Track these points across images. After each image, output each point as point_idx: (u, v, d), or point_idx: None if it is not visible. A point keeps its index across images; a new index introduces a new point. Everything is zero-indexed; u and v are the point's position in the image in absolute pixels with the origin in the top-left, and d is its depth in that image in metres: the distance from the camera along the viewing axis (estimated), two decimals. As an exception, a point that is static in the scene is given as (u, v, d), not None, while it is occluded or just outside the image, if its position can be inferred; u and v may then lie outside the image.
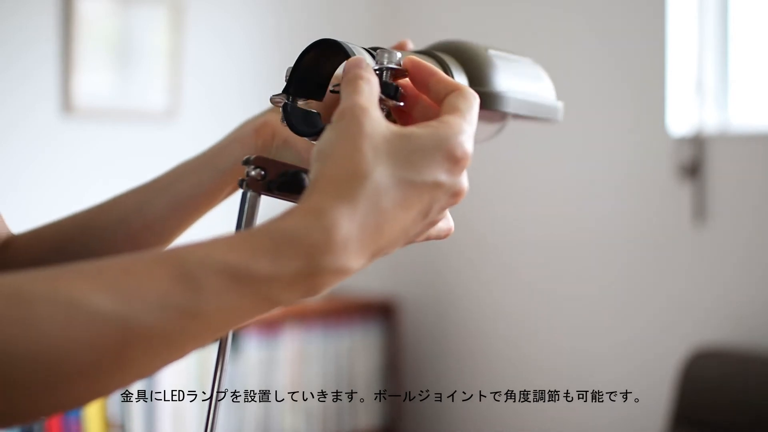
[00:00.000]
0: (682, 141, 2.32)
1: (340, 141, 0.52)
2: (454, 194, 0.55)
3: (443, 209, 0.56)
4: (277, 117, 0.70)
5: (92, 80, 2.42)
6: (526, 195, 2.67)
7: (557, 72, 2.84)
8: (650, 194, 2.39)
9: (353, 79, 0.55)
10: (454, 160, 0.54)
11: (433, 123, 0.55)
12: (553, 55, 2.60)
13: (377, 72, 0.58)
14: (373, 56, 0.60)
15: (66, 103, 2.37)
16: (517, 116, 0.72)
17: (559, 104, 0.78)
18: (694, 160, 2.29)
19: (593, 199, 2.51)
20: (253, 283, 0.48)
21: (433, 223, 0.57)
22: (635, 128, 2.42)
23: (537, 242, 2.64)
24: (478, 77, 0.68)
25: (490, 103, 0.66)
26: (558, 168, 2.58)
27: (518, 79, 0.71)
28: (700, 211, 2.28)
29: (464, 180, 0.55)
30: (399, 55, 0.59)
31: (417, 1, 2.97)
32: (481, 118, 0.68)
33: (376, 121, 0.53)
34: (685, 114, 2.36)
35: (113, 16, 2.47)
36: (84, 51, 2.38)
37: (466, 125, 0.55)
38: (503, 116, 0.73)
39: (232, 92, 2.64)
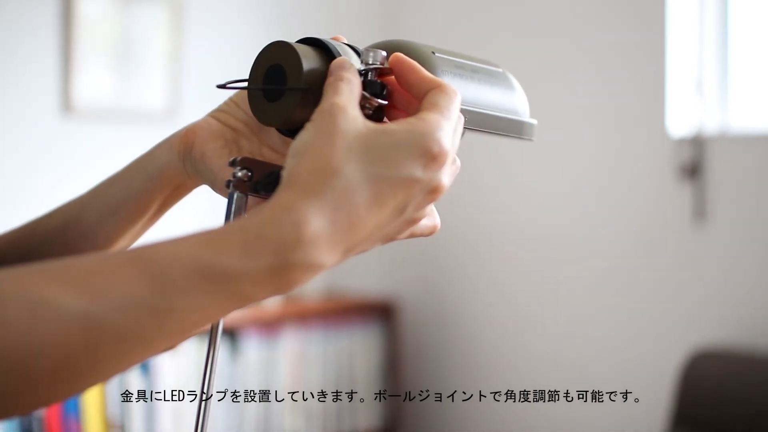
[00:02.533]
0: (682, 141, 2.32)
1: (314, 138, 0.52)
2: (431, 191, 0.54)
3: (421, 207, 0.55)
4: (204, 125, 0.67)
5: (92, 80, 2.42)
6: (526, 195, 2.67)
7: (557, 72, 2.84)
8: (650, 194, 2.39)
9: (334, 80, 0.56)
10: (429, 157, 0.53)
11: (410, 119, 0.54)
12: (554, 55, 2.60)
13: (362, 72, 0.58)
14: (359, 54, 0.60)
15: (66, 103, 2.37)
16: (473, 130, 0.66)
17: (531, 121, 0.71)
18: (694, 160, 2.29)
19: (593, 199, 2.51)
20: (223, 279, 0.48)
21: (413, 221, 0.56)
22: (635, 129, 2.42)
23: (536, 242, 2.64)
24: None
25: None
26: (558, 168, 2.58)
27: (472, 89, 0.65)
28: (700, 211, 2.28)
29: (442, 177, 0.54)
30: (384, 53, 0.59)
31: None
32: None
33: (351, 119, 0.53)
34: (685, 114, 2.36)
35: (113, 16, 2.47)
36: (84, 51, 2.38)
37: (444, 121, 0.55)
38: None
39: (232, 92, 2.64)
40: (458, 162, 0.59)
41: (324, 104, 0.54)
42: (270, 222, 0.49)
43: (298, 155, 0.52)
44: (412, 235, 0.59)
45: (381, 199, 0.52)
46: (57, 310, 0.46)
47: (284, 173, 0.52)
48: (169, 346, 0.51)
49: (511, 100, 0.69)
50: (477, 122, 0.65)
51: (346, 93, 0.55)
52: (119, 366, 0.49)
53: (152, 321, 0.48)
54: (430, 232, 0.60)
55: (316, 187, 0.50)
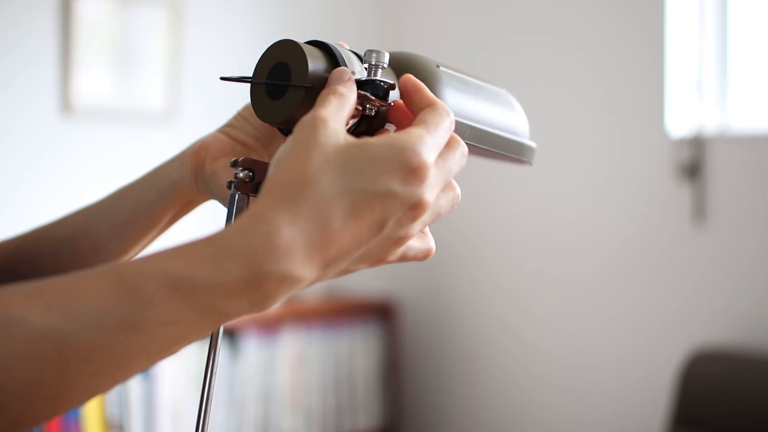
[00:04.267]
0: (682, 142, 2.32)
1: (292, 150, 0.51)
2: (412, 207, 0.52)
3: (403, 224, 0.53)
4: (215, 141, 0.68)
5: (91, 80, 2.42)
6: (526, 195, 2.67)
7: (557, 72, 2.84)
8: (650, 195, 2.39)
9: (326, 93, 0.55)
10: (408, 170, 0.51)
11: (392, 133, 0.53)
12: (554, 55, 2.60)
13: (363, 80, 0.58)
14: (361, 59, 0.60)
15: (65, 103, 2.37)
16: (471, 147, 0.65)
17: (530, 143, 0.70)
18: (694, 160, 2.29)
19: (593, 200, 2.51)
20: (194, 292, 0.47)
21: (398, 240, 0.54)
22: (635, 129, 2.42)
23: (536, 242, 2.64)
24: None
25: None
26: (558, 168, 2.58)
27: (473, 104, 0.65)
28: (699, 211, 2.28)
29: (424, 192, 0.52)
30: (387, 55, 0.59)
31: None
32: None
33: (331, 132, 0.52)
34: (684, 115, 2.36)
35: (113, 17, 2.47)
36: (83, 51, 2.38)
37: (428, 136, 0.53)
38: None
39: (231, 92, 2.64)
40: (458, 190, 0.57)
41: (306, 116, 0.53)
42: (241, 232, 0.48)
43: (275, 166, 0.52)
44: (405, 258, 0.57)
45: (357, 213, 0.50)
46: (29, 328, 0.45)
47: (263, 185, 0.52)
48: (148, 365, 0.49)
49: (512, 121, 0.69)
50: (476, 138, 0.64)
51: (334, 106, 0.54)
52: (94, 386, 0.48)
53: (124, 336, 0.46)
54: (423, 256, 0.58)
55: (290, 198, 0.49)
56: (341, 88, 0.55)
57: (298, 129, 0.52)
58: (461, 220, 2.78)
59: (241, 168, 0.59)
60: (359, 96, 0.58)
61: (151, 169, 0.71)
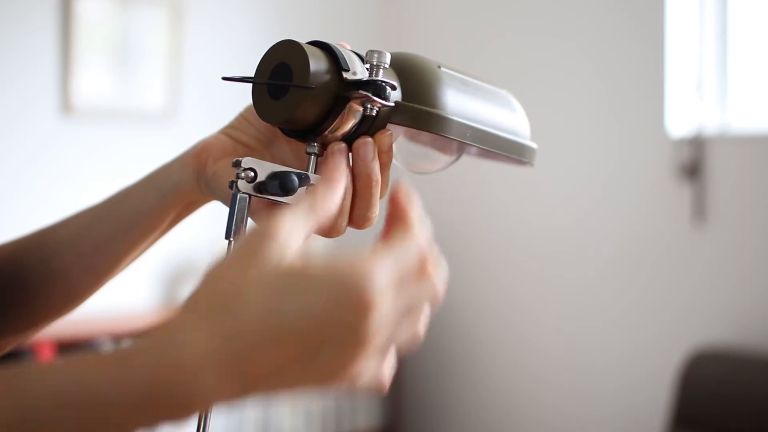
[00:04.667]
0: (682, 142, 2.32)
1: (231, 258, 0.47)
2: (351, 340, 0.46)
3: (343, 354, 0.46)
4: (216, 142, 0.68)
5: (91, 80, 2.42)
6: (526, 195, 2.67)
7: (557, 73, 2.83)
8: (650, 195, 2.39)
9: (304, 196, 0.51)
10: (351, 303, 0.45)
11: (342, 260, 0.47)
12: (554, 56, 2.60)
13: (364, 81, 0.58)
14: (362, 60, 0.60)
15: (65, 102, 2.37)
16: (472, 148, 0.64)
17: (531, 144, 0.69)
18: (694, 160, 2.29)
19: (593, 200, 2.51)
20: (93, 406, 0.43)
21: (338, 370, 0.47)
22: (635, 129, 2.42)
23: (536, 242, 2.64)
24: (418, 92, 0.61)
25: (426, 125, 0.59)
26: (558, 169, 2.58)
27: (474, 105, 0.64)
28: (699, 211, 2.28)
29: (369, 326, 0.46)
30: (389, 55, 0.59)
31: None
32: (430, 145, 0.65)
33: (278, 248, 0.47)
34: (684, 115, 2.36)
35: (112, 17, 2.47)
36: (83, 51, 2.38)
37: (385, 263, 0.47)
38: (459, 147, 0.66)
39: (231, 93, 2.64)
40: (420, 324, 0.51)
41: (263, 224, 0.48)
42: (151, 343, 0.45)
43: (208, 273, 0.47)
44: (354, 390, 0.50)
45: (281, 339, 0.45)
46: None
47: (190, 293, 0.48)
48: None
49: (513, 121, 0.68)
50: (477, 138, 0.64)
51: (297, 216, 0.49)
52: None
53: None
54: (374, 390, 0.51)
55: (212, 313, 0.45)
56: (322, 193, 0.51)
57: (246, 236, 0.48)
58: (461, 220, 2.77)
59: (242, 168, 0.59)
60: (361, 96, 0.58)
61: (153, 171, 0.71)
